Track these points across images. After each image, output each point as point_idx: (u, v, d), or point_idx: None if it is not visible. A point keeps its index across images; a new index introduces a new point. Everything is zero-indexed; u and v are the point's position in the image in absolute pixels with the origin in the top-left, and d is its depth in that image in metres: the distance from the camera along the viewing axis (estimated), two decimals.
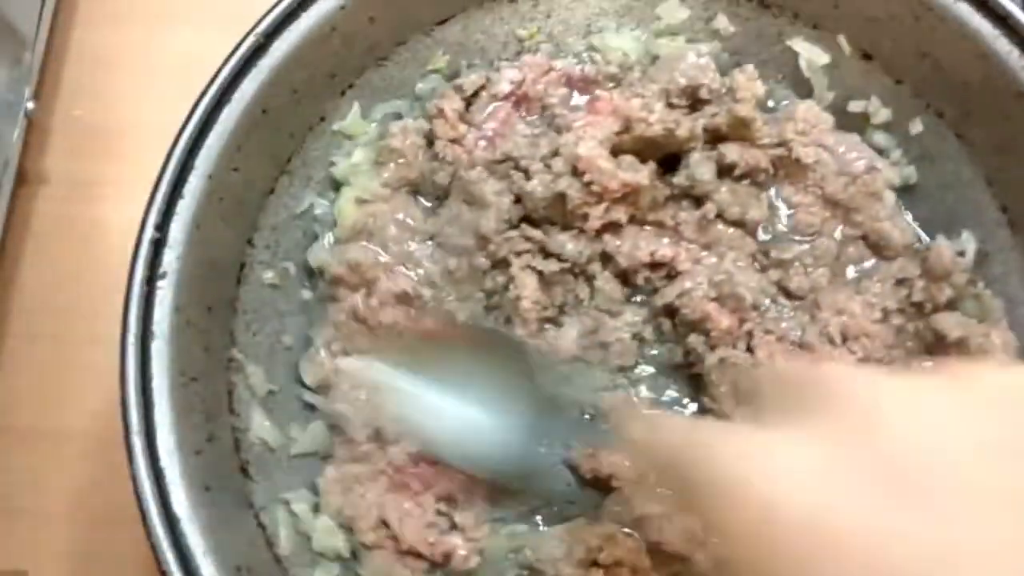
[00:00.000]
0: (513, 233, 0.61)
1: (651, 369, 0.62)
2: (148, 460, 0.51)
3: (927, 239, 0.63)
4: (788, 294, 0.61)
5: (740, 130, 0.62)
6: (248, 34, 0.57)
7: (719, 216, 0.62)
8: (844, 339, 0.59)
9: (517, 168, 0.61)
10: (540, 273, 0.61)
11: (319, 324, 0.62)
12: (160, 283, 0.54)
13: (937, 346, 0.58)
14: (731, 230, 0.63)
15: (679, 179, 0.62)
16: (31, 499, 0.65)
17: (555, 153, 0.61)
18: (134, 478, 0.51)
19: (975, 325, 0.58)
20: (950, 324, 0.58)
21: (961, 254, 0.61)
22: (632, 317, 0.62)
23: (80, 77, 0.75)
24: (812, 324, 0.60)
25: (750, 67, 0.64)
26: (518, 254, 0.60)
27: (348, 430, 0.59)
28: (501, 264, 0.61)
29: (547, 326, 0.61)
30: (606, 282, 0.61)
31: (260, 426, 0.58)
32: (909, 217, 0.64)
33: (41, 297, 0.70)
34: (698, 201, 0.63)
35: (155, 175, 0.56)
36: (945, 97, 0.62)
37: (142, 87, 0.75)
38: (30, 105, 0.68)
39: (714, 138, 0.63)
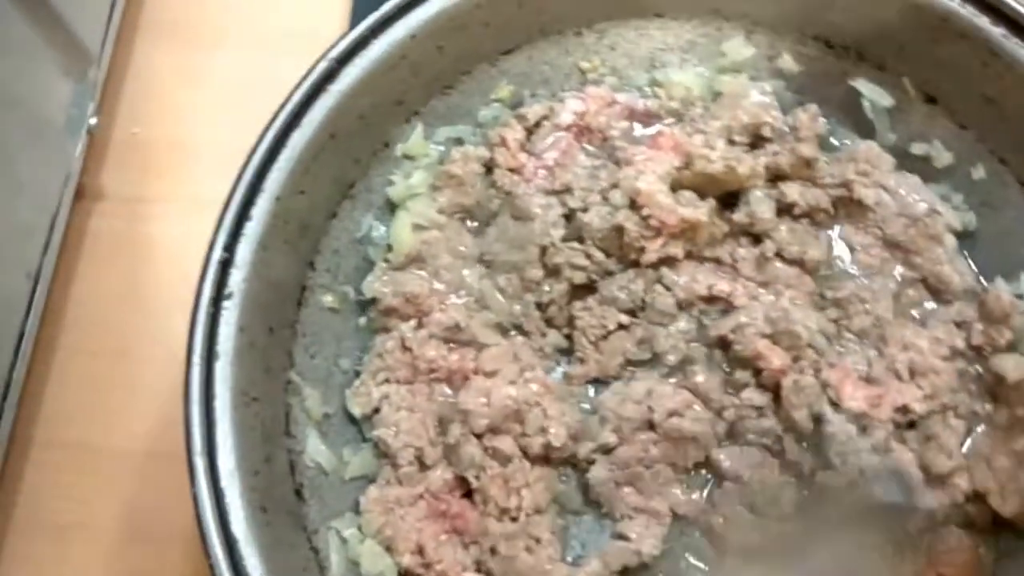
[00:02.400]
0: (568, 245, 0.61)
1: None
2: (209, 480, 0.51)
3: (986, 283, 0.62)
4: (849, 331, 0.61)
5: (801, 169, 0.62)
6: (320, 59, 0.58)
7: (778, 254, 0.62)
8: (912, 374, 0.58)
9: (575, 199, 0.62)
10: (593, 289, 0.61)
11: (367, 353, 0.62)
12: (226, 303, 0.54)
13: (998, 389, 0.58)
14: (790, 269, 0.62)
15: (738, 216, 0.62)
16: (80, 515, 0.65)
17: (614, 186, 0.61)
18: (195, 498, 0.51)
19: None
20: (1009, 366, 0.58)
21: (1020, 297, 0.60)
22: (686, 325, 0.61)
23: (139, 94, 0.76)
24: (879, 359, 0.59)
25: (813, 107, 0.64)
26: (574, 267, 0.61)
27: (392, 455, 0.58)
28: (554, 274, 0.61)
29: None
30: (659, 295, 0.61)
31: (315, 449, 0.58)
32: (969, 261, 0.63)
33: (94, 312, 0.70)
34: (756, 239, 0.63)
35: (211, 194, 0.56)
36: (1009, 144, 0.62)
37: (200, 106, 0.75)
38: (93, 121, 0.69)
39: (775, 176, 0.63)
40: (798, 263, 0.62)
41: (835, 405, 0.58)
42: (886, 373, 0.58)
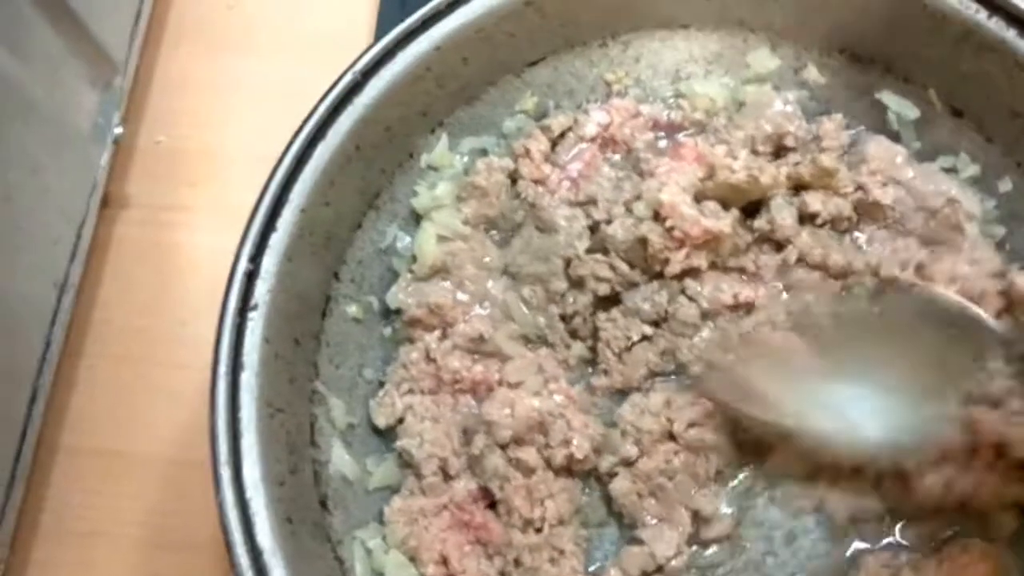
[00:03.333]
0: (592, 257, 0.61)
1: None
2: (235, 490, 0.51)
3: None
4: None
5: (824, 179, 0.62)
6: (346, 72, 0.58)
7: (800, 260, 0.62)
8: None
9: (599, 210, 0.62)
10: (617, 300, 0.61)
11: (392, 364, 0.62)
12: (251, 315, 0.54)
13: None
14: (813, 273, 0.62)
15: (760, 223, 0.62)
16: (106, 522, 0.66)
17: (638, 197, 0.61)
18: (220, 508, 0.51)
19: None
20: None
21: None
22: (710, 335, 0.61)
23: (164, 103, 0.76)
24: None
25: (839, 116, 0.64)
26: (598, 279, 0.61)
27: (416, 465, 0.59)
28: (578, 286, 0.61)
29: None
30: (682, 305, 0.61)
31: (340, 459, 0.59)
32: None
33: (119, 319, 0.71)
34: (779, 245, 0.62)
35: (237, 202, 0.57)
36: None
37: (226, 114, 0.76)
38: (119, 130, 0.69)
39: (796, 185, 0.63)
40: (821, 267, 0.62)
41: None
42: None
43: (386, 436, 0.60)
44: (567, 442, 0.57)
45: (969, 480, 0.55)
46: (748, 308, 0.61)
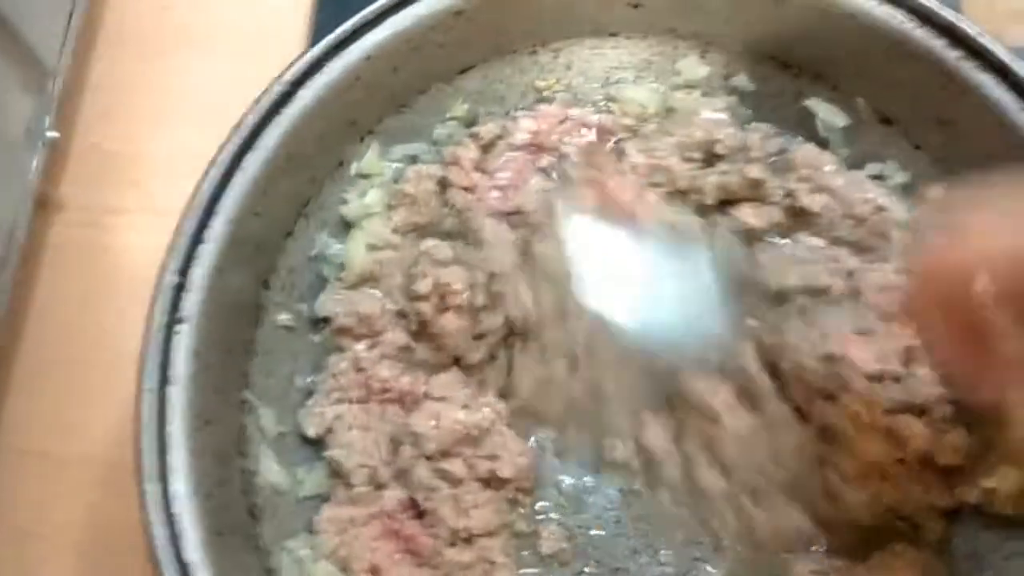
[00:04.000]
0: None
1: None
2: (162, 506, 0.51)
3: None
4: None
5: (751, 190, 0.63)
6: (274, 83, 0.58)
7: None
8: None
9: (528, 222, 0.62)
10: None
11: (321, 373, 0.62)
12: (180, 328, 0.54)
13: None
14: None
15: None
16: (40, 524, 0.66)
17: None
18: (147, 526, 0.51)
19: None
20: None
21: None
22: None
23: (98, 105, 0.76)
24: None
25: (764, 126, 0.64)
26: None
27: (345, 474, 0.59)
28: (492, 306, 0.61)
29: None
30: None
31: (269, 468, 0.59)
32: None
33: (55, 322, 0.71)
34: None
35: (172, 204, 0.56)
36: (965, 165, 0.61)
37: (160, 117, 0.75)
38: (52, 134, 0.68)
39: (726, 194, 0.63)
40: None
41: None
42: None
43: (316, 445, 0.60)
44: (494, 457, 0.58)
45: (896, 492, 0.57)
46: None
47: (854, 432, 0.57)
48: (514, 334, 0.60)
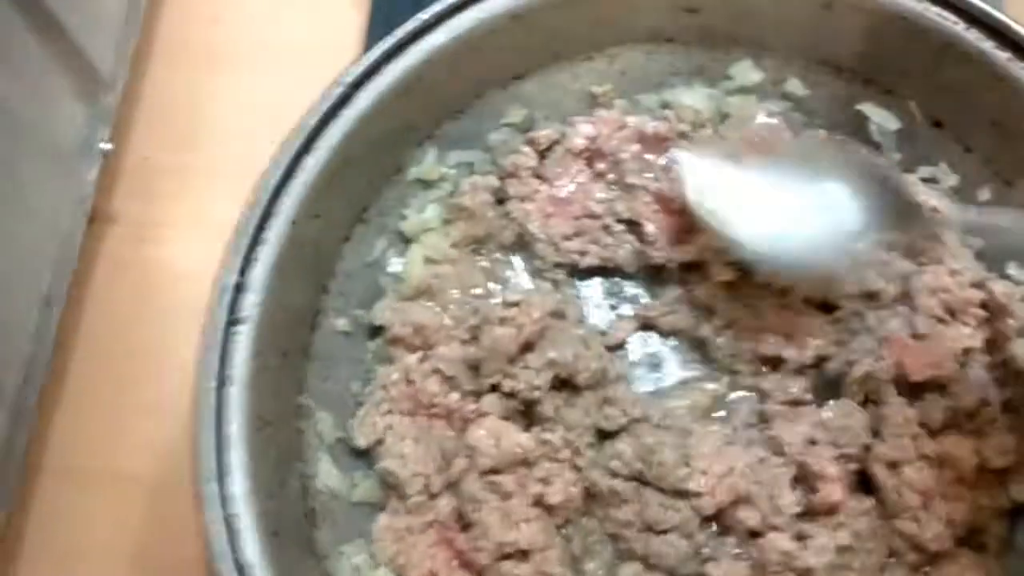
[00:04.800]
0: None
1: None
2: (220, 505, 0.51)
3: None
4: None
5: None
6: (334, 84, 0.58)
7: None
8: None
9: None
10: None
11: (372, 383, 0.61)
12: (239, 328, 0.54)
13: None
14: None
15: None
16: (90, 542, 0.65)
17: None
18: (205, 524, 0.50)
19: None
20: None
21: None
22: None
23: (153, 117, 0.76)
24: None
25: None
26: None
27: (399, 484, 0.58)
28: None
29: None
30: None
31: (327, 473, 0.58)
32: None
33: (105, 337, 0.70)
34: None
35: (225, 218, 0.56)
36: (1014, 167, 0.62)
37: (214, 129, 0.76)
38: (106, 145, 0.69)
39: None
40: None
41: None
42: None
43: (367, 455, 0.60)
44: (546, 481, 0.57)
45: (964, 508, 0.56)
46: None
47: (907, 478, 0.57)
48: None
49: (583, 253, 0.63)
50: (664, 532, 0.56)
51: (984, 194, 0.63)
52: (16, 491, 0.64)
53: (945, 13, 0.60)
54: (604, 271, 0.65)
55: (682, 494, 0.56)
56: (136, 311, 0.71)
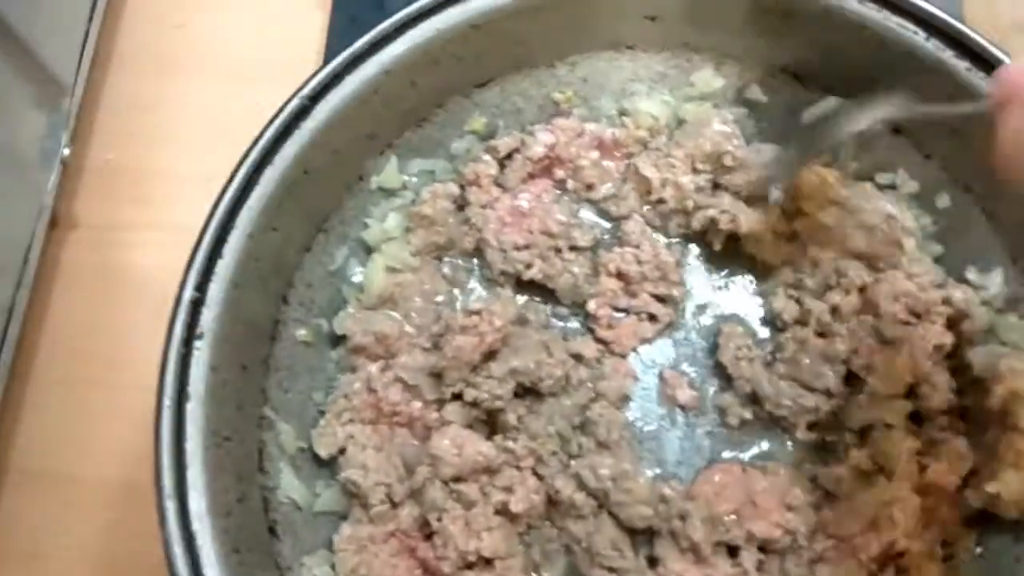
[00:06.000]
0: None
1: None
2: (180, 523, 0.51)
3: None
4: None
5: (759, 201, 0.63)
6: (292, 97, 0.58)
7: None
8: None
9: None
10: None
11: (334, 393, 0.61)
12: (197, 343, 0.54)
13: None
14: None
15: None
16: (54, 545, 0.65)
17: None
18: (165, 543, 0.51)
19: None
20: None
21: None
22: None
23: (113, 123, 0.76)
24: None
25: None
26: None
27: (361, 494, 0.58)
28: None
29: None
30: None
31: (289, 484, 0.59)
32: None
33: (68, 341, 0.70)
34: None
35: (186, 221, 0.56)
36: (973, 174, 0.62)
37: (175, 134, 0.75)
38: (66, 151, 0.68)
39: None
40: None
41: None
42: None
43: (330, 465, 0.60)
44: (508, 489, 0.57)
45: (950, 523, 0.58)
46: None
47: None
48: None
49: (529, 265, 0.62)
50: (607, 569, 0.57)
51: (943, 200, 0.64)
52: None
53: (906, 23, 0.61)
54: (542, 291, 0.64)
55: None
56: (98, 315, 0.71)
